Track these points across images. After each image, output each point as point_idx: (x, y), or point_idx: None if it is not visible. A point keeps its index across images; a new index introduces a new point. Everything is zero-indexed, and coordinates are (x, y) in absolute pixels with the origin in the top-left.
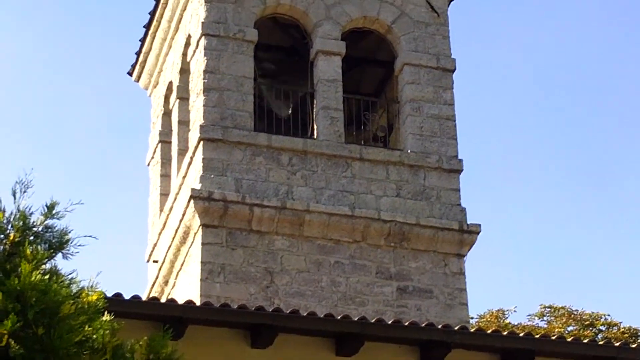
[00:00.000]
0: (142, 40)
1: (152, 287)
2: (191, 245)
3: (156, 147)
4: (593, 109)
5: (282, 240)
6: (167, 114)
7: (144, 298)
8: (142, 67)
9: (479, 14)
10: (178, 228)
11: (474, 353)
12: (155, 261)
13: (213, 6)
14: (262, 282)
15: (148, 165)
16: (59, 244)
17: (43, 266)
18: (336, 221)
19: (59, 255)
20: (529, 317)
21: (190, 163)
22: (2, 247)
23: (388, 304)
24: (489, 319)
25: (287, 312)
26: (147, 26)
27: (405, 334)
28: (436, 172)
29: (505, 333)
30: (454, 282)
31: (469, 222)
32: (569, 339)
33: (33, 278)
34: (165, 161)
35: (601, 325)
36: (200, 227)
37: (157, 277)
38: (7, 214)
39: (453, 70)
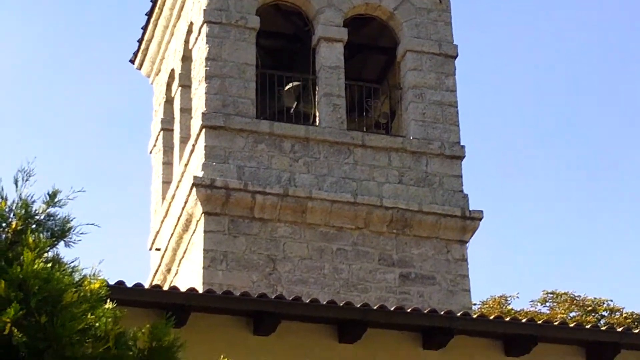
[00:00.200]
0: (144, 28)
1: (154, 275)
2: (193, 233)
3: (158, 134)
4: (597, 93)
5: (285, 227)
6: (169, 101)
7: (146, 286)
8: (144, 55)
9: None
10: (180, 216)
11: (476, 339)
12: (158, 249)
13: None
14: (264, 269)
15: (150, 153)
16: (61, 232)
17: (45, 254)
18: (338, 208)
19: (62, 243)
20: (531, 303)
21: (192, 151)
22: (4, 235)
23: (390, 291)
24: (491, 305)
25: (290, 299)
26: (149, 14)
27: (408, 321)
28: (438, 158)
29: (507, 319)
30: (457, 268)
31: (471, 209)
32: (572, 325)
33: (35, 266)
34: (168, 149)
35: (604, 310)
36: (203, 214)
37: (159, 265)
38: (9, 203)
39: (455, 57)
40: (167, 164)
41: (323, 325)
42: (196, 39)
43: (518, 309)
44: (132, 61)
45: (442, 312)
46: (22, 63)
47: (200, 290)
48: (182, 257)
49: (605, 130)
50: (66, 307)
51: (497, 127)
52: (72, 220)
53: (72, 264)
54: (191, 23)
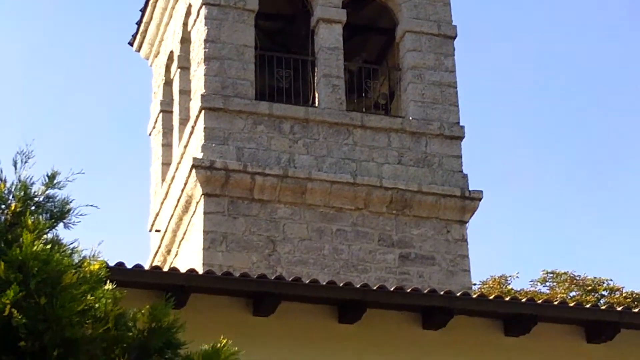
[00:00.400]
0: (143, 10)
1: (154, 257)
2: (193, 214)
3: (157, 116)
4: (597, 72)
5: (284, 208)
6: (168, 83)
7: (146, 267)
8: (143, 37)
9: None
10: (180, 197)
11: (476, 319)
12: (158, 230)
13: None
14: (264, 250)
15: (150, 134)
16: (60, 213)
17: (45, 236)
18: (338, 189)
19: (61, 225)
20: (531, 282)
21: (191, 132)
22: (3, 217)
23: (390, 271)
24: (491, 285)
25: (290, 280)
26: None
27: (408, 301)
28: (438, 139)
29: (507, 299)
30: (456, 248)
31: (470, 189)
32: (571, 304)
33: (35, 248)
34: (167, 131)
35: (603, 290)
36: (202, 196)
37: (159, 247)
38: (8, 184)
39: (454, 37)
40: (167, 145)
41: (323, 305)
42: (195, 20)
43: (518, 289)
44: (130, 43)
45: (442, 292)
46: (21, 44)
47: (200, 271)
48: (182, 238)
49: (606, 109)
50: (66, 289)
51: (496, 107)
52: (71, 202)
53: (71, 246)
54: (190, 5)
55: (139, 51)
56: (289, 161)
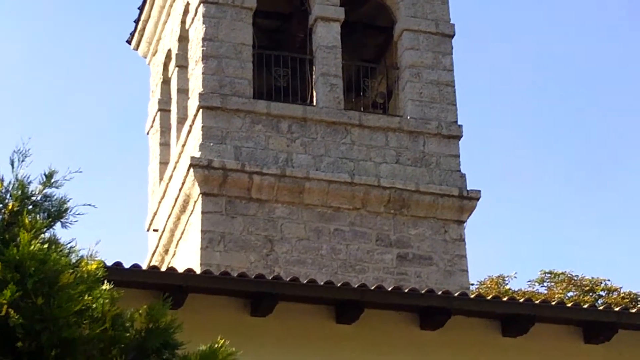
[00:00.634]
0: (141, 8)
1: (152, 256)
2: (191, 213)
3: (155, 115)
4: (595, 70)
5: (282, 208)
6: (166, 82)
7: (144, 267)
8: (141, 35)
9: None
10: (178, 197)
11: (474, 319)
12: (155, 230)
13: None
14: (262, 250)
15: (147, 133)
16: (57, 212)
17: (42, 235)
18: (336, 188)
19: (58, 224)
20: (529, 283)
21: (189, 131)
22: (0, 216)
23: (388, 271)
24: (489, 285)
25: (287, 280)
26: None
27: (405, 301)
28: (436, 138)
29: (505, 299)
30: (454, 248)
31: (468, 188)
32: (569, 305)
33: (32, 247)
34: (165, 129)
35: (601, 290)
36: (200, 195)
37: (157, 246)
38: (5, 183)
39: (452, 36)
40: (165, 144)
41: (320, 305)
42: (193, 19)
43: (516, 289)
44: (128, 42)
45: (440, 293)
46: (19, 43)
47: (198, 271)
48: (180, 238)
49: (605, 109)
50: (63, 289)
51: (494, 106)
52: (68, 201)
53: (68, 245)
54: (187, 3)
55: (136, 49)
56: (286, 160)
